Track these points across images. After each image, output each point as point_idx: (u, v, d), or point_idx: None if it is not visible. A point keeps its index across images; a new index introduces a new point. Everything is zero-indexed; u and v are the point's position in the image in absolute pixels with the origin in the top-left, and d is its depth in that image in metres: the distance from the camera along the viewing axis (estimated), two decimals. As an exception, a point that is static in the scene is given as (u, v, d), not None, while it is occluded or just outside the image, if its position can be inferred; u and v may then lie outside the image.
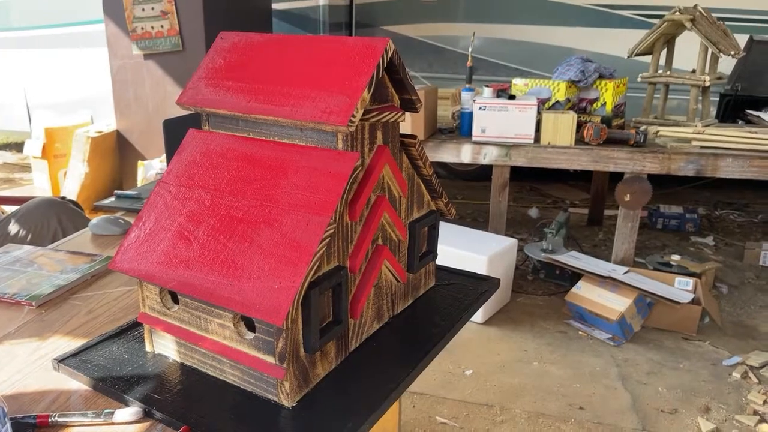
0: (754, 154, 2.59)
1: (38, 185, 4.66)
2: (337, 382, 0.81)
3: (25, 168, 5.34)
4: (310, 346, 0.75)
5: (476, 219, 4.03)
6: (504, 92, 3.01)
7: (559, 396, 2.16)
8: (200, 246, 0.76)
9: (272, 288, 0.69)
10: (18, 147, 5.93)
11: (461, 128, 2.98)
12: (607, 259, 2.91)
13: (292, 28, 4.68)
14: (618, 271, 2.71)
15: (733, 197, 4.51)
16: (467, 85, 2.99)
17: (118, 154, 4.04)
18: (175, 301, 0.82)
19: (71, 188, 3.99)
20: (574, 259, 2.89)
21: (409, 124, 2.67)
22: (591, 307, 2.60)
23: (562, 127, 2.76)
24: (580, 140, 2.80)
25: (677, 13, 2.87)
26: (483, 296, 1.08)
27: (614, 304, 2.56)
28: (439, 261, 1.09)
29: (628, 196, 2.76)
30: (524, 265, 3.24)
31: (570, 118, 2.75)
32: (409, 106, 0.86)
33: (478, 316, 2.64)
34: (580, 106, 3.12)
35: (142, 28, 3.54)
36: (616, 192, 2.78)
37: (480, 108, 2.80)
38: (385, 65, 0.77)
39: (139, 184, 3.42)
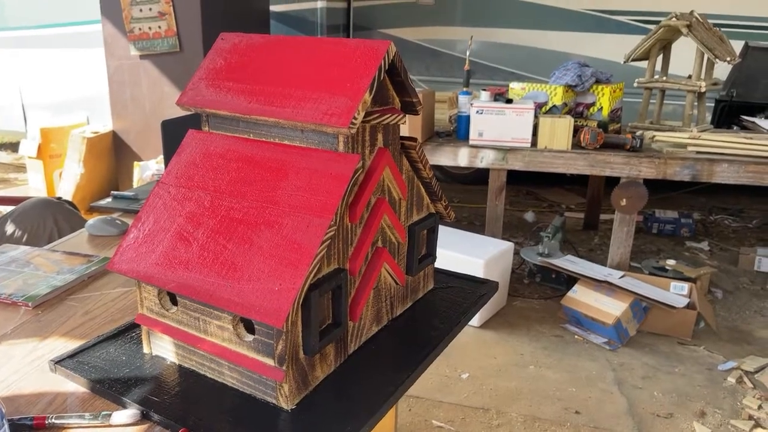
0: (750, 159, 2.60)
1: (33, 186, 4.63)
2: (336, 384, 0.80)
3: (20, 168, 5.31)
4: (309, 349, 0.74)
5: (473, 222, 4.03)
6: (501, 96, 3.02)
7: (555, 400, 2.17)
8: (200, 247, 0.76)
9: (272, 290, 0.69)
10: (13, 147, 5.90)
11: (458, 132, 2.99)
12: (603, 264, 2.92)
13: (289, 31, 4.68)
14: (614, 276, 2.71)
15: (728, 202, 4.54)
16: (464, 89, 3.00)
17: (114, 155, 4.03)
18: (174, 302, 0.82)
19: (67, 189, 3.97)
20: (570, 263, 2.90)
21: (406, 127, 2.67)
22: (587, 311, 2.61)
23: (558, 131, 2.77)
24: (576, 144, 2.81)
25: (674, 18, 2.89)
26: (481, 299, 1.08)
27: (610, 308, 2.56)
28: (436, 264, 1.09)
29: (624, 200, 2.77)
30: (520, 268, 3.25)
31: (567, 123, 2.76)
32: (409, 108, 0.86)
33: (475, 319, 2.64)
34: (576, 111, 3.14)
35: (140, 29, 3.53)
36: (613, 196, 2.79)
37: (477, 111, 2.81)
38: (387, 67, 0.77)
39: (135, 185, 3.41)
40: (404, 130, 0.87)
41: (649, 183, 2.74)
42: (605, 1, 4.23)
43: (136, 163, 3.60)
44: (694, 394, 2.20)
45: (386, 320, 0.95)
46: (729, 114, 3.58)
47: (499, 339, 2.60)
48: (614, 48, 3.94)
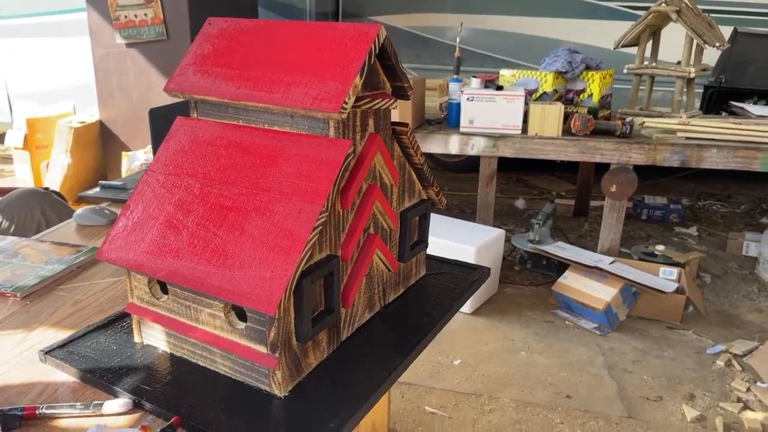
0: (738, 144, 2.62)
1: (20, 176, 4.58)
2: (329, 371, 0.80)
3: (7, 159, 5.24)
4: (302, 336, 0.74)
5: (464, 210, 4.04)
6: (492, 83, 3.01)
7: (547, 385, 2.18)
8: (190, 235, 0.75)
9: (264, 277, 0.68)
10: (-1, 138, 5.82)
11: (449, 119, 2.98)
12: (593, 250, 2.93)
13: (277, 18, 4.63)
14: (604, 261, 2.73)
15: (716, 188, 4.57)
16: (455, 76, 2.99)
17: (101, 144, 3.98)
18: (164, 291, 0.81)
19: (54, 179, 3.93)
20: (560, 249, 2.91)
21: (397, 114, 2.66)
22: (577, 297, 2.63)
23: (549, 118, 2.77)
24: (567, 131, 2.81)
25: (663, 4, 2.89)
26: (473, 285, 1.09)
27: (600, 293, 2.58)
28: (427, 251, 1.09)
29: (614, 186, 2.78)
30: (511, 255, 3.26)
31: (557, 109, 2.76)
32: (400, 93, 0.85)
33: (466, 306, 2.65)
34: (567, 97, 3.14)
35: (126, 17, 3.48)
36: (603, 183, 2.80)
37: (468, 99, 2.80)
38: (377, 51, 0.76)
39: (124, 175, 3.38)
40: (395, 118, 0.87)
41: (638, 169, 2.75)
42: (595, -13, 4.22)
43: (124, 153, 3.56)
44: (683, 378, 2.23)
45: (379, 307, 0.95)
46: (718, 100, 3.60)
47: (490, 325, 2.62)
48: (604, 34, 3.93)
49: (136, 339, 0.87)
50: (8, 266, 1.15)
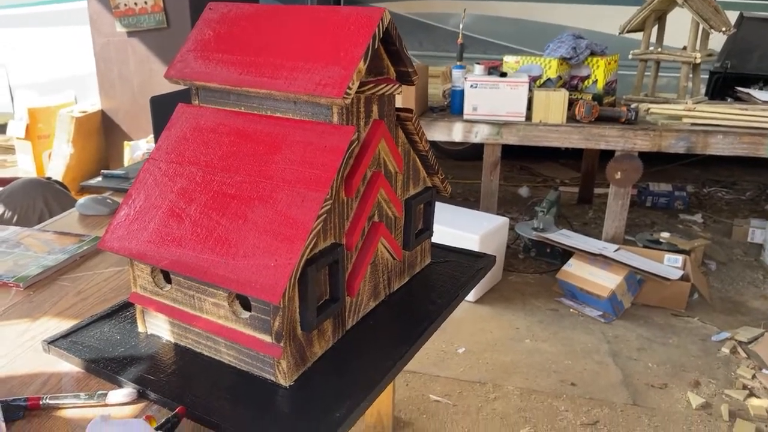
0: (744, 130, 2.59)
1: (22, 167, 4.57)
2: (335, 360, 0.80)
3: (9, 150, 5.23)
4: (307, 324, 0.73)
5: (467, 198, 4.02)
6: (495, 70, 2.98)
7: (551, 372, 2.18)
8: (192, 223, 0.74)
9: (268, 265, 0.67)
10: (1, 128, 5.81)
11: (452, 106, 2.96)
12: (598, 237, 2.92)
13: (279, 2, 4.58)
14: (608, 249, 2.72)
15: (721, 175, 4.54)
16: (458, 63, 2.96)
17: (103, 134, 3.97)
18: (168, 280, 0.80)
19: (56, 169, 3.92)
20: (564, 237, 2.90)
21: (399, 102, 2.64)
22: (582, 285, 2.62)
23: (553, 104, 2.74)
24: (571, 118, 2.79)
25: (669, -12, 2.85)
26: (479, 273, 1.08)
27: (605, 281, 2.57)
28: (432, 240, 1.08)
29: (619, 173, 2.76)
30: (515, 243, 3.25)
31: (562, 96, 2.73)
32: (405, 78, 0.84)
33: (471, 294, 2.65)
34: (571, 84, 3.10)
35: (125, 5, 3.45)
36: (607, 170, 2.78)
37: (471, 85, 2.78)
38: (381, 36, 0.75)
39: (126, 164, 3.37)
40: (398, 104, 0.85)
41: (643, 156, 2.73)
42: (600, -29, 4.17)
43: (126, 142, 3.55)
44: (688, 365, 2.22)
45: (384, 295, 0.94)
46: (723, 86, 3.55)
47: (494, 314, 2.61)
48: (609, 20, 3.88)
49: (140, 329, 0.86)
50: (11, 256, 1.14)
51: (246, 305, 0.74)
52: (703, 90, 3.31)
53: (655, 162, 4.09)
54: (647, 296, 2.66)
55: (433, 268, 1.08)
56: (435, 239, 1.10)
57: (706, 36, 2.92)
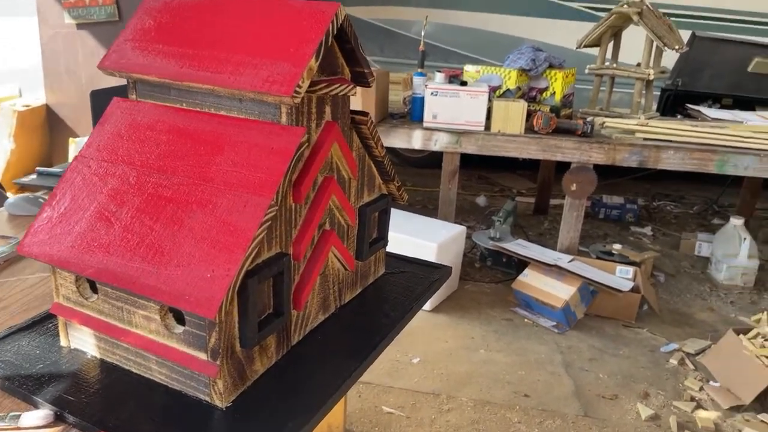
0: (695, 146, 2.66)
1: (-42, 162, 4.30)
2: (278, 379, 0.74)
3: (-56, 143, 4.93)
4: (247, 341, 0.68)
5: (426, 206, 4.01)
6: (456, 78, 2.98)
7: (505, 383, 2.17)
8: (123, 228, 0.68)
9: (204, 276, 0.62)
10: (-64, 120, 5.46)
11: (412, 114, 2.94)
12: (553, 248, 2.94)
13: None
14: (563, 260, 2.74)
15: (669, 189, 4.68)
16: (419, 70, 2.94)
17: (47, 130, 3.77)
18: (94, 290, 0.73)
19: (-5, 166, 3.70)
20: (521, 247, 2.91)
21: (360, 106, 2.59)
22: (537, 295, 2.63)
23: (512, 115, 2.75)
24: (529, 129, 2.81)
25: (625, 5, 2.91)
26: (434, 285, 1.04)
27: (559, 292, 2.59)
28: (387, 248, 1.04)
29: (575, 185, 2.79)
30: (472, 252, 3.25)
31: (521, 107, 2.75)
32: (360, 79, 0.79)
33: (427, 303, 2.61)
34: (530, 95, 3.13)
35: (75, -5, 3.29)
36: (564, 181, 2.81)
37: (432, 93, 2.76)
38: (335, 32, 0.70)
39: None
40: (356, 108, 0.81)
41: (596, 169, 2.77)
42: (559, -13, 4.25)
43: (71, 139, 3.37)
44: (638, 376, 2.25)
45: (334, 308, 0.89)
46: (674, 103, 3.67)
47: (450, 322, 2.59)
48: (567, 34, 3.96)
49: (63, 343, 0.78)
50: (-76, 259, 1.04)
51: (180, 319, 0.67)
52: (654, 106, 3.40)
53: (607, 175, 4.18)
54: (599, 307, 2.69)
55: (387, 278, 1.03)
56: (392, 247, 1.05)
57: (659, 53, 2.99)
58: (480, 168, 4.84)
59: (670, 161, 2.70)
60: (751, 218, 3.60)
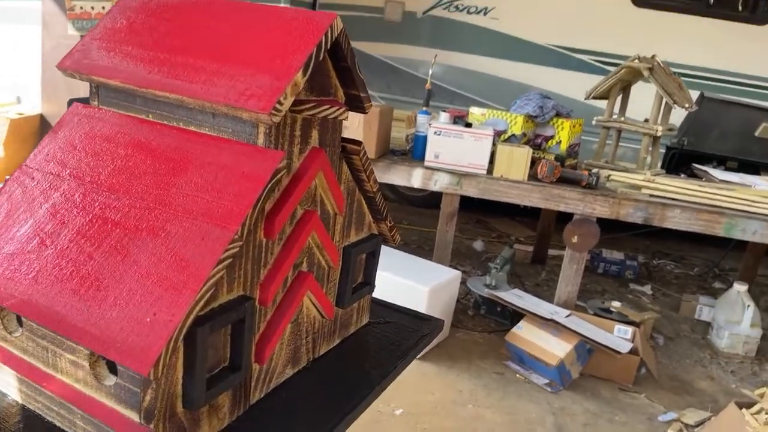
0: (702, 207, 2.58)
1: (-53, 166, 4.20)
2: (228, 446, 0.62)
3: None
4: (192, 401, 0.56)
5: (421, 246, 3.90)
6: (461, 119, 2.92)
7: (492, 444, 2.02)
8: (57, 254, 0.57)
9: (143, 320, 0.51)
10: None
11: (414, 151, 2.86)
12: (550, 300, 2.82)
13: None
14: (560, 314, 2.62)
15: (670, 248, 4.58)
16: (424, 108, 2.88)
17: (40, 139, 3.69)
18: (21, 323, 0.62)
19: (-18, 173, 3.61)
20: (516, 297, 2.79)
21: (361, 137, 2.51)
22: (531, 350, 2.49)
23: (516, 160, 2.68)
24: (533, 176, 2.73)
25: (636, 60, 2.88)
26: (423, 340, 0.93)
27: (554, 348, 2.46)
28: (376, 290, 0.93)
29: (576, 237, 2.69)
30: (465, 298, 3.12)
31: (525, 153, 2.68)
32: (355, 103, 0.70)
33: (414, 350, 2.48)
34: (535, 142, 3.07)
35: (81, 8, 3.26)
36: (565, 233, 2.71)
37: (435, 132, 2.69)
38: (329, 46, 0.61)
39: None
40: (352, 137, 0.71)
41: (598, 222, 2.68)
42: (570, 38, 4.25)
43: (63, 151, 3.29)
44: (634, 446, 2.11)
45: (305, 361, 0.78)
46: (679, 161, 3.62)
47: (438, 372, 2.45)
48: (574, 85, 3.94)
49: (-20, 382, 0.66)
50: None
51: (113, 368, 0.56)
52: (659, 163, 3.34)
53: (608, 229, 4.10)
54: (596, 367, 2.55)
55: (370, 329, 0.92)
56: (380, 287, 0.94)
57: (668, 110, 2.94)
58: (479, 212, 4.75)
59: (676, 220, 2.61)
60: (752, 284, 3.49)
